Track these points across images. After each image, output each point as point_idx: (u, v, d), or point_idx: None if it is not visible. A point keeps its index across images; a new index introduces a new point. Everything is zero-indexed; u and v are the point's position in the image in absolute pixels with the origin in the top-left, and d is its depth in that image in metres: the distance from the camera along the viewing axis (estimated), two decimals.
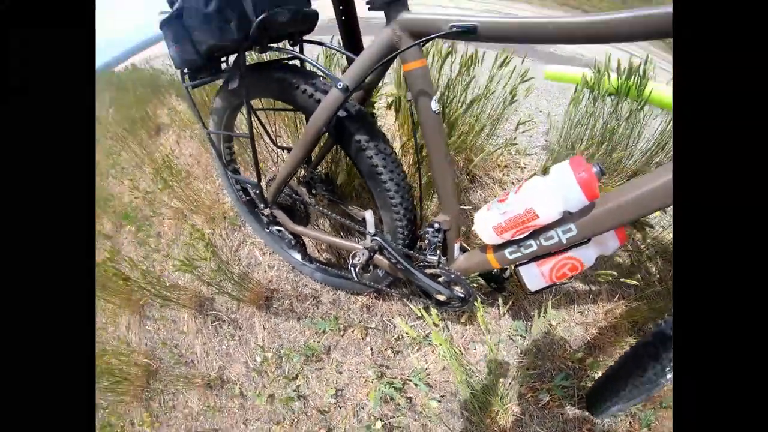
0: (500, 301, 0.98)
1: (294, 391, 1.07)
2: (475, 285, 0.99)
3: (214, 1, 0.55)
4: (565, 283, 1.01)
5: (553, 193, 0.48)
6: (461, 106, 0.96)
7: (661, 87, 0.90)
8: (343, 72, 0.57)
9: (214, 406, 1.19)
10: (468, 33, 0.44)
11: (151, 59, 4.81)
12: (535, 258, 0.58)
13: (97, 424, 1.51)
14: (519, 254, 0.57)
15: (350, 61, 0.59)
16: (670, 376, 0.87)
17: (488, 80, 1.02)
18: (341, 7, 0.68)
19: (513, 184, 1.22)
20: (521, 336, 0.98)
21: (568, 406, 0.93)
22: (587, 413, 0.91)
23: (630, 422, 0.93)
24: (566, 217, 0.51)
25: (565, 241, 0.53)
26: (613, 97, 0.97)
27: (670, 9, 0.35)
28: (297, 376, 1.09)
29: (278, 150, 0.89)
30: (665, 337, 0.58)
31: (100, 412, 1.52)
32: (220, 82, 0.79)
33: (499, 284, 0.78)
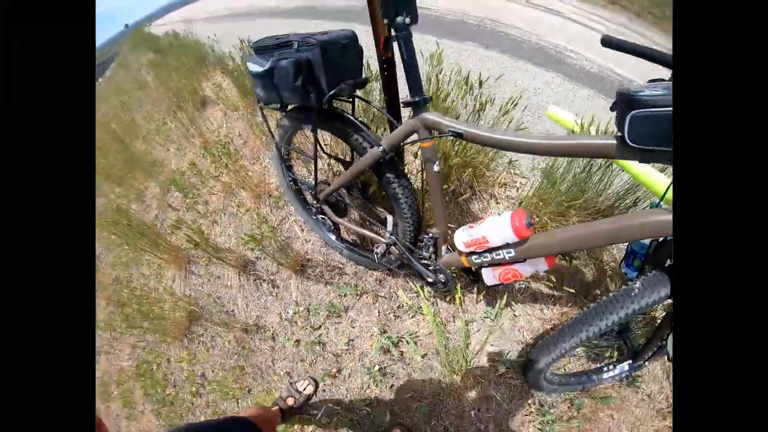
0: (476, 289, 1.37)
1: (316, 338, 1.49)
2: (454, 274, 1.38)
3: (300, 78, 0.89)
4: (510, 284, 1.37)
5: (497, 230, 0.85)
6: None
7: None
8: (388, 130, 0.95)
9: (248, 348, 1.59)
10: (458, 135, 0.81)
11: (190, 22, 5.10)
12: (491, 265, 0.97)
13: (132, 364, 1.96)
14: (480, 260, 0.96)
15: (390, 123, 0.96)
16: (605, 376, 1.25)
17: (494, 120, 1.37)
18: (385, 72, 1.05)
19: (506, 200, 1.59)
20: (490, 318, 1.38)
21: (519, 380, 1.32)
22: (533, 390, 1.27)
23: (568, 405, 1.29)
24: (509, 244, 0.89)
25: (507, 258, 0.90)
26: None
27: (610, 140, 0.64)
28: (320, 327, 1.52)
29: (330, 159, 1.28)
30: (563, 333, 0.93)
31: (137, 351, 1.95)
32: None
33: (475, 277, 1.17)
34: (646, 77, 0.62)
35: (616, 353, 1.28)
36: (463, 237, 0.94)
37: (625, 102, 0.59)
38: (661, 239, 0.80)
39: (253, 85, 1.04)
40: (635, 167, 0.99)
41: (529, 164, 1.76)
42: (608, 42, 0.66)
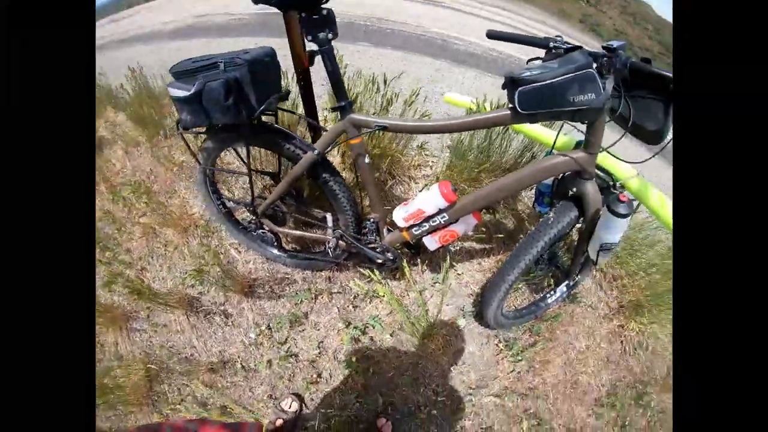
0: (419, 261, 1.53)
1: (286, 352, 1.51)
2: (399, 252, 1.52)
3: (231, 98, 0.93)
4: (449, 245, 1.53)
5: (429, 200, 1.02)
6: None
7: None
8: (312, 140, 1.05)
9: (221, 386, 1.51)
10: (384, 128, 0.95)
11: None
12: (430, 232, 1.13)
13: None
14: (420, 231, 1.11)
15: (310, 125, 1.05)
16: (550, 301, 1.49)
17: (401, 112, 1.54)
18: (302, 82, 1.14)
19: (423, 178, 1.78)
20: (438, 283, 1.55)
21: (481, 327, 1.51)
22: (494, 330, 1.47)
23: (529, 333, 1.52)
24: (441, 210, 1.05)
25: (443, 222, 1.08)
26: None
27: (506, 111, 0.84)
28: (286, 340, 1.53)
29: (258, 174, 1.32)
30: (504, 269, 1.13)
31: None
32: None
33: (416, 250, 1.33)
34: (521, 50, 0.82)
35: (552, 281, 1.54)
36: (401, 214, 1.07)
37: (512, 82, 0.80)
38: (560, 176, 1.03)
39: (178, 110, 1.02)
40: (527, 128, 1.23)
41: (438, 144, 1.98)
42: (493, 35, 0.86)
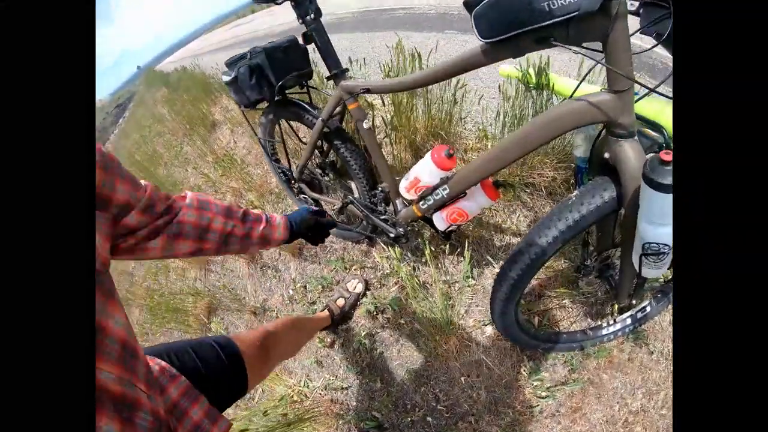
0: (447, 248, 1.47)
1: (312, 312, 1.71)
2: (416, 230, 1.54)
3: (254, 78, 1.21)
4: (460, 226, 1.32)
5: (424, 167, 1.05)
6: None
7: (562, 80, 1.22)
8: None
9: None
10: (367, 91, 1.05)
11: (196, 57, 5.83)
12: (437, 208, 1.14)
13: None
14: (426, 205, 1.12)
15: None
16: (605, 332, 1.19)
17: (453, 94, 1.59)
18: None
19: None
20: (473, 278, 1.51)
21: (510, 341, 1.33)
22: (527, 353, 1.27)
23: (567, 368, 1.24)
24: (441, 182, 1.05)
25: (446, 196, 1.05)
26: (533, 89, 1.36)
27: (475, 49, 0.73)
28: (315, 301, 1.75)
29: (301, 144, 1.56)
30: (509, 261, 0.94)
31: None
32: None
33: (445, 235, 1.28)
34: None
35: (616, 308, 1.16)
36: (402, 183, 1.14)
37: (466, 7, 0.66)
38: (594, 141, 0.79)
39: (228, 91, 1.36)
40: (560, 84, 1.17)
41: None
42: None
